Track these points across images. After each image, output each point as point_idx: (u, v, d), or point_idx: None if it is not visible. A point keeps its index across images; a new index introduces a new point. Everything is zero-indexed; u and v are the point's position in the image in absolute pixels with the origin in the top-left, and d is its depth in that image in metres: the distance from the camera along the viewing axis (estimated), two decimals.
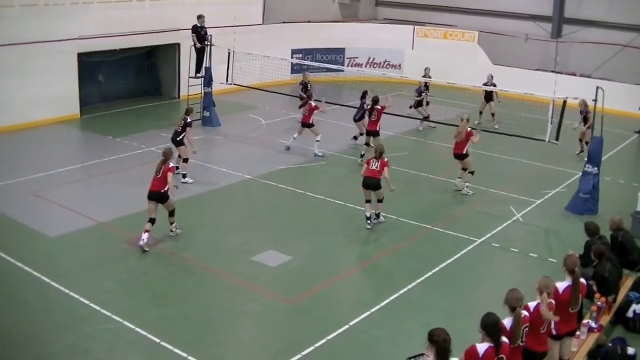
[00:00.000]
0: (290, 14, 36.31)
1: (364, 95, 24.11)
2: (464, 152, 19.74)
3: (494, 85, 26.52)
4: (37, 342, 11.71)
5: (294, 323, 12.88)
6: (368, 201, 17.00)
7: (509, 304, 9.06)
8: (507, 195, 20.03)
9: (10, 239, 15.68)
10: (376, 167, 16.62)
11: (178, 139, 19.61)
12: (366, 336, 12.36)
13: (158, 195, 15.61)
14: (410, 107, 27.45)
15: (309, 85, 26.30)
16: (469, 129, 19.70)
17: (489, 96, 27.72)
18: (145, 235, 15.32)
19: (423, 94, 27.35)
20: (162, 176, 15.58)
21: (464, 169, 19.94)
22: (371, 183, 16.74)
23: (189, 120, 19.76)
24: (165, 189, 15.60)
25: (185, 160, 19.74)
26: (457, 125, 20.10)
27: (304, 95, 24.13)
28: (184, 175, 19.74)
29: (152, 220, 15.52)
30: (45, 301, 13.02)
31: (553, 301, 9.85)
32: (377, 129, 22.09)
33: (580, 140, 24.01)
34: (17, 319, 12.35)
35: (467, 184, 19.96)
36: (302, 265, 15.17)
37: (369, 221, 17.03)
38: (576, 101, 18.50)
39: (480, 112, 28.04)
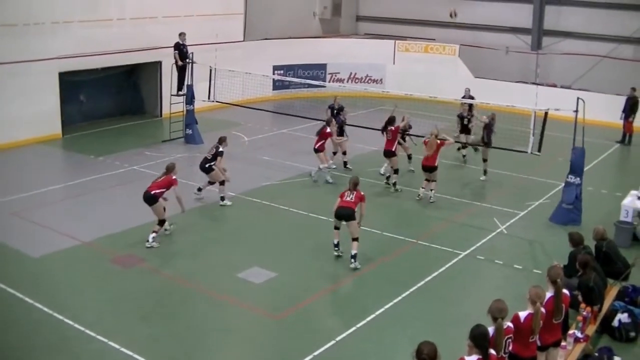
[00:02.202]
0: (271, 30, 36.41)
1: (340, 110, 23.97)
2: (436, 165, 20.19)
3: (472, 98, 26.59)
4: None
5: (281, 339, 12.85)
6: (337, 228, 16.00)
7: (492, 314, 9.08)
8: (490, 207, 20.09)
9: None
10: (351, 199, 15.73)
11: (207, 165, 19.55)
12: (353, 350, 12.34)
13: (147, 196, 16.53)
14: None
15: (335, 110, 24.66)
16: (438, 141, 20.17)
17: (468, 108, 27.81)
18: (150, 235, 16.60)
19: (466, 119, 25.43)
20: (160, 182, 16.74)
21: (429, 180, 20.44)
22: (344, 213, 15.57)
23: (220, 149, 19.70)
24: (155, 192, 16.53)
25: (222, 183, 19.63)
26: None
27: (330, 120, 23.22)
28: (222, 198, 19.72)
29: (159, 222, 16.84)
30: (30, 322, 12.90)
31: (544, 310, 9.88)
32: (393, 149, 21.37)
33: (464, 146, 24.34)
34: (2, 341, 12.24)
35: (433, 192, 20.39)
36: (288, 281, 15.13)
37: (336, 248, 16.16)
38: (557, 112, 18.60)
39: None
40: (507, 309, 9.12)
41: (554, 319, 10.29)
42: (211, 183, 19.72)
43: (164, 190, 16.66)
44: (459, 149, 25.31)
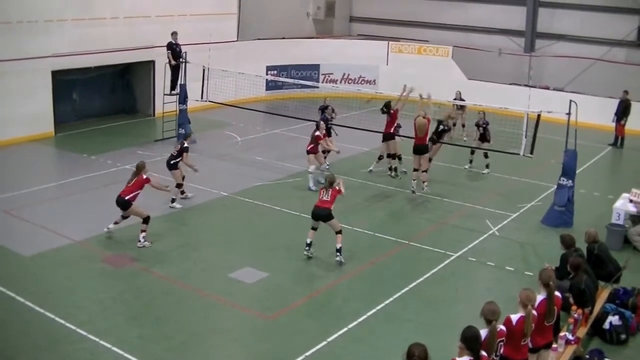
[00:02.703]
0: (264, 31, 36.39)
1: (324, 109, 24.01)
2: (427, 143, 20.68)
3: (463, 101, 26.68)
4: None
5: (273, 339, 12.82)
6: (314, 228, 16.10)
7: (485, 317, 9.06)
8: (482, 209, 20.12)
9: None
10: (327, 198, 15.84)
11: (172, 162, 19.39)
12: (345, 351, 12.34)
13: (120, 201, 16.58)
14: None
15: (326, 110, 24.59)
16: (426, 120, 20.32)
17: (460, 109, 27.93)
18: (140, 235, 16.59)
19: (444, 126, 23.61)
20: (132, 186, 16.62)
21: (418, 170, 20.49)
22: (321, 214, 15.75)
23: (185, 145, 19.57)
24: (129, 197, 16.50)
25: (178, 186, 19.50)
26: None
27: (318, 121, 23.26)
28: (173, 200, 19.44)
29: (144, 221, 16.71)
30: (20, 322, 12.88)
31: (535, 313, 9.88)
32: (392, 131, 21.94)
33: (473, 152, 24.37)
34: None
35: (426, 183, 20.61)
36: (280, 281, 15.12)
37: (308, 247, 16.10)
38: (550, 115, 18.62)
39: (454, 125, 28.15)
40: (500, 311, 9.12)
41: (546, 321, 10.31)
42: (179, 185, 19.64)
43: (137, 192, 16.64)
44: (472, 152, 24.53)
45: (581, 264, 12.58)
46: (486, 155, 23.76)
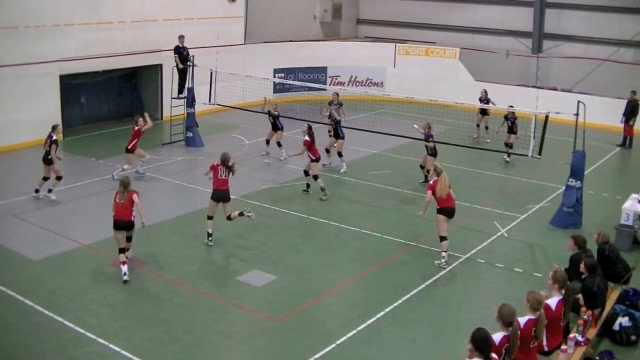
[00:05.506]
0: (271, 34, 36.43)
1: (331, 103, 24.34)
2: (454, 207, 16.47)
3: (488, 101, 26.80)
4: None
5: (281, 342, 12.81)
6: (211, 217, 16.95)
7: (504, 320, 8.97)
8: (491, 210, 20.07)
9: None
10: (225, 176, 16.71)
11: (49, 157, 19.54)
12: (354, 354, 12.31)
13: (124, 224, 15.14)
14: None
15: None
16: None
17: (484, 110, 27.93)
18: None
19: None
20: (128, 204, 15.08)
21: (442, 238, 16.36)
22: (223, 195, 16.76)
23: (54, 137, 19.62)
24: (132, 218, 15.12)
25: (58, 179, 19.80)
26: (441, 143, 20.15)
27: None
28: (50, 190, 19.77)
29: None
30: (29, 325, 12.89)
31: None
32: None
33: (506, 144, 25.07)
34: (2, 344, 12.22)
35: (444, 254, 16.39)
36: (288, 284, 15.11)
37: (210, 238, 16.97)
38: (558, 116, 18.58)
39: (478, 125, 28.24)
40: (516, 312, 9.08)
41: (562, 322, 10.29)
42: (45, 179, 19.74)
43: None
44: (506, 144, 25.23)
45: (597, 265, 12.55)
46: (511, 147, 24.54)
